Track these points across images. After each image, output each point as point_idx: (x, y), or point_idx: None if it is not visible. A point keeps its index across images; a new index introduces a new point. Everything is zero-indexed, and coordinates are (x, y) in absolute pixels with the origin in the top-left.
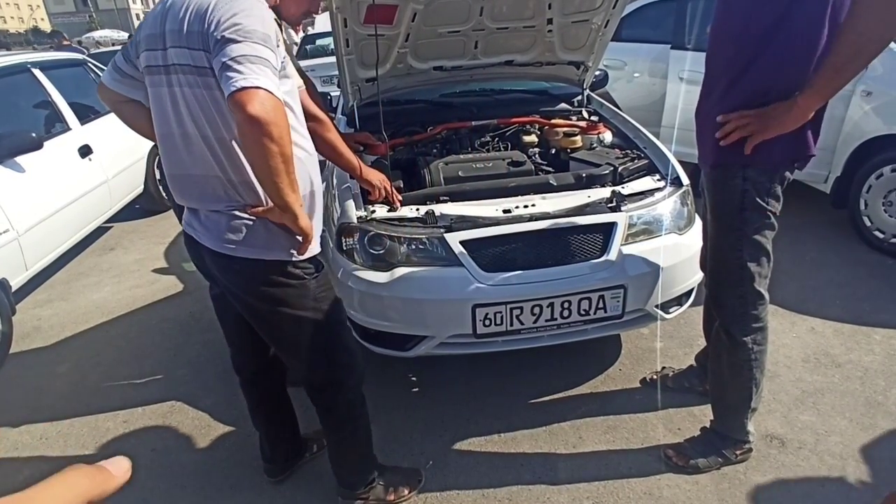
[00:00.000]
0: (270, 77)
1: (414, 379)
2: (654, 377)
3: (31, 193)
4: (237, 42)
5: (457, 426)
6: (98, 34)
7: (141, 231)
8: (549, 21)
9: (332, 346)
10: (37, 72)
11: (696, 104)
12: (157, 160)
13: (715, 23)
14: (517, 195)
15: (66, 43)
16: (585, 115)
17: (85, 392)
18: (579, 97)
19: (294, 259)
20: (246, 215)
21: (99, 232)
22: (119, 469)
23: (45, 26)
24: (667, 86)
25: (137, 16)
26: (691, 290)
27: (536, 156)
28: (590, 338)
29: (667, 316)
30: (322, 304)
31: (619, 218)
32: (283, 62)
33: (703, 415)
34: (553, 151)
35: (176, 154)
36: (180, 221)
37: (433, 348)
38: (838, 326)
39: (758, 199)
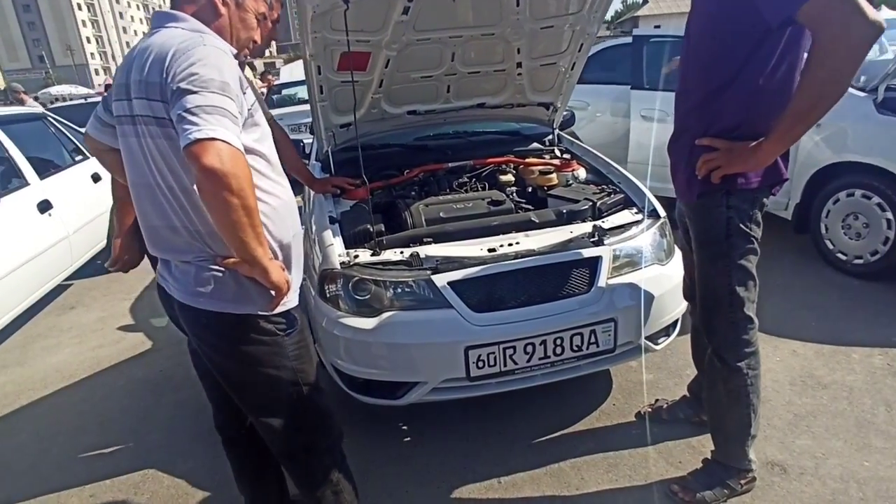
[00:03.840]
0: (228, 126)
1: (405, 428)
2: (649, 410)
3: None
4: (193, 93)
5: (454, 475)
6: (55, 90)
7: (103, 287)
8: (519, 65)
9: (304, 407)
10: None
11: (668, 140)
12: None
13: (684, 62)
14: (500, 233)
15: (22, 97)
16: (558, 153)
17: (45, 466)
18: (550, 137)
19: (266, 313)
20: (216, 267)
21: (58, 290)
22: None
23: None
24: (630, 124)
25: (96, 71)
26: (677, 321)
27: (514, 194)
28: (582, 374)
29: (656, 347)
30: (295, 362)
31: (604, 251)
32: (250, 109)
33: (702, 445)
34: (530, 190)
35: (146, 204)
36: (155, 271)
37: (426, 395)
38: (818, 348)
39: (741, 225)
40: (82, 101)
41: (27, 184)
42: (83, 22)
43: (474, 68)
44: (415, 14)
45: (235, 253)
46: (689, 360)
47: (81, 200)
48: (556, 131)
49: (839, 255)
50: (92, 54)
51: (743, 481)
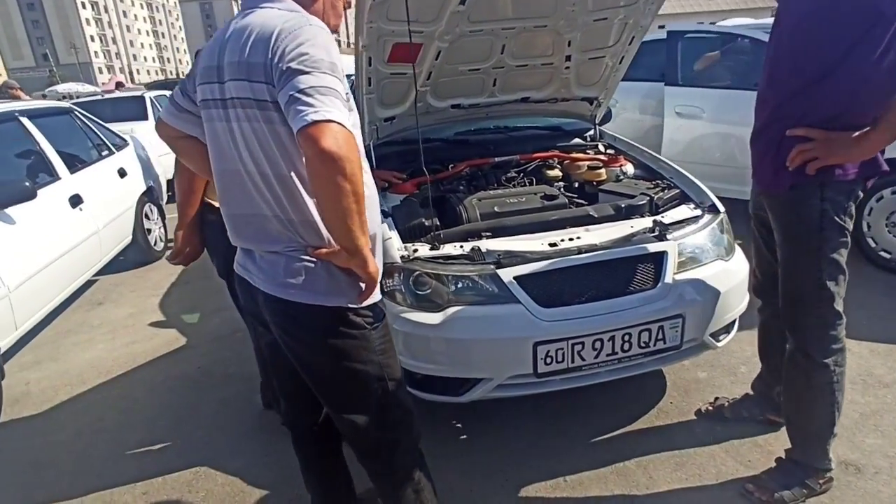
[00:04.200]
0: (341, 109)
1: (459, 426)
2: (710, 408)
3: (23, 246)
4: (305, 73)
5: (516, 473)
6: (62, 87)
7: (129, 283)
8: (568, 58)
9: (389, 404)
10: (25, 120)
11: (753, 131)
12: (144, 209)
13: (775, 52)
14: (559, 228)
15: (17, 93)
16: (602, 148)
17: (93, 463)
18: (591, 132)
19: (355, 306)
20: (307, 257)
21: (85, 286)
22: None
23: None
24: (663, 120)
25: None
26: (736, 318)
27: (562, 190)
28: (644, 371)
29: (718, 344)
30: (381, 356)
31: (669, 247)
32: (347, 93)
33: (769, 445)
34: (576, 185)
35: (233, 192)
36: (214, 263)
37: (490, 391)
38: (873, 346)
39: (836, 218)
40: (99, 97)
41: (59, 178)
42: (87, 20)
43: (522, 61)
44: (471, 4)
45: (338, 241)
46: (743, 358)
47: (109, 195)
48: (598, 126)
49: (882, 254)
50: (96, 52)
51: (821, 481)
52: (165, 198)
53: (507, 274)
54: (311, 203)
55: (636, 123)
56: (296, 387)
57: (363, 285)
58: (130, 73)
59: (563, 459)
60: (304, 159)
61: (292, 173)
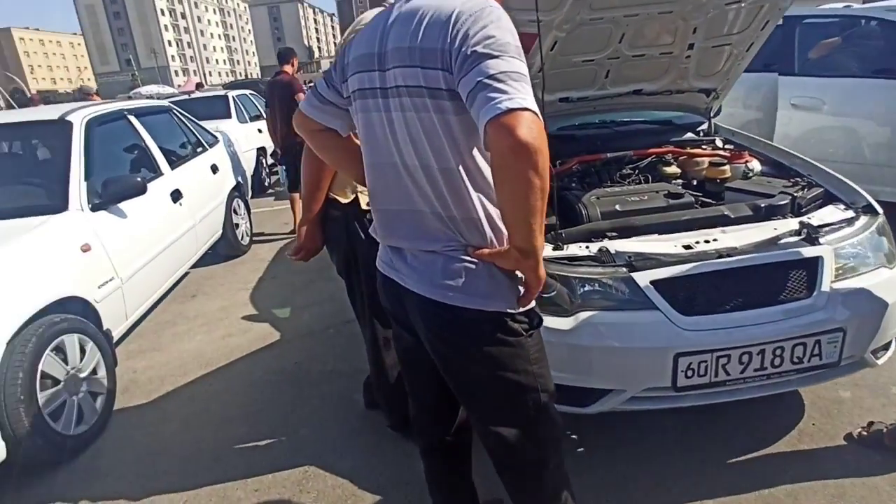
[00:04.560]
0: (532, 97)
1: (575, 437)
2: (864, 433)
3: (133, 239)
4: (493, 57)
5: (649, 491)
6: (145, 90)
7: (219, 277)
8: (690, 46)
9: (541, 418)
10: (132, 118)
11: None
12: (233, 204)
13: None
14: (691, 229)
15: (94, 97)
16: (720, 143)
17: (203, 456)
18: (704, 126)
19: (514, 311)
20: (468, 258)
21: (179, 278)
22: None
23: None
24: (774, 114)
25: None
26: None
27: (682, 188)
28: (790, 389)
29: (878, 362)
30: (535, 366)
31: (824, 251)
32: None
33: None
34: (695, 183)
35: (388, 186)
36: (333, 260)
37: (621, 404)
38: None
39: None
40: (185, 96)
41: (161, 174)
42: (165, 26)
43: (640, 51)
44: None
45: (516, 241)
46: (894, 377)
47: (204, 191)
48: (713, 120)
49: None
50: (172, 56)
51: None
52: (250, 193)
53: (642, 278)
54: (476, 199)
55: (736, 118)
56: (435, 395)
57: (522, 289)
58: (203, 74)
59: (698, 480)
60: (488, 152)
61: (460, 167)
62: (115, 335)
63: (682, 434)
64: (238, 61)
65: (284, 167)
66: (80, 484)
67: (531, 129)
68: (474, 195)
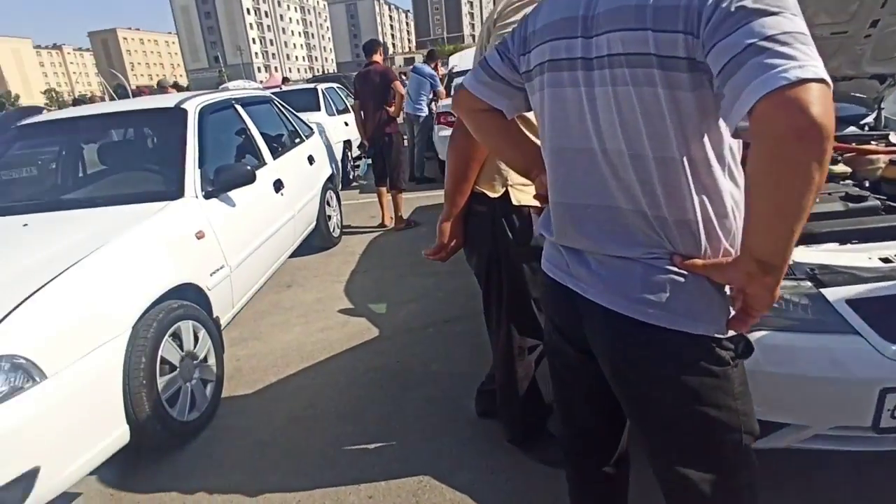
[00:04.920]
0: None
1: None
2: None
3: (240, 228)
4: (770, 14)
5: None
6: (232, 85)
7: (313, 268)
8: (874, 24)
9: (739, 462)
10: (238, 108)
11: None
12: (326, 196)
13: None
14: (887, 239)
15: (169, 90)
16: (894, 139)
17: (311, 453)
18: (869, 119)
19: (721, 336)
20: (675, 268)
21: None
22: None
23: (184, 81)
24: None
25: (258, 69)
26: None
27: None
28: None
29: None
30: (739, 402)
31: None
32: None
33: None
34: (867, 184)
35: (576, 176)
36: (470, 256)
37: (801, 441)
38: None
39: None
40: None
41: (265, 163)
42: (251, 25)
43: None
44: None
45: (762, 251)
46: None
47: (302, 181)
48: (883, 111)
49: None
50: (256, 53)
51: None
52: (340, 185)
53: (834, 295)
54: (696, 198)
55: None
56: (596, 419)
57: (732, 311)
58: (283, 70)
59: None
60: (735, 139)
61: (684, 158)
62: (223, 323)
63: (855, 472)
64: (316, 58)
65: (371, 160)
66: (197, 473)
67: (826, 108)
68: (695, 193)
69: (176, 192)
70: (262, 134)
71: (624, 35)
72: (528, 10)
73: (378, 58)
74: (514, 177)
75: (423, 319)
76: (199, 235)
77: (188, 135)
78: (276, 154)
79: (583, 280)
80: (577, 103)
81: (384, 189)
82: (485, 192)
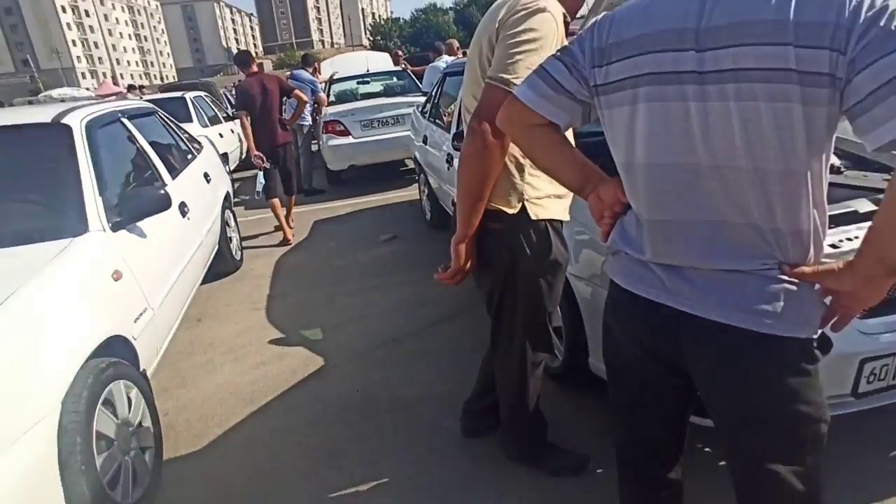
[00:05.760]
0: None
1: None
2: None
3: (157, 261)
4: None
5: None
6: (57, 92)
7: (221, 297)
8: None
9: (818, 450)
10: (125, 121)
11: None
12: (225, 216)
13: None
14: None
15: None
16: None
17: None
18: None
19: (815, 336)
20: (786, 277)
21: None
22: None
23: None
24: None
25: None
26: None
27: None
28: None
29: None
30: (820, 395)
31: None
32: None
33: None
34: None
35: (674, 192)
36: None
37: None
38: None
39: None
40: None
41: (165, 184)
42: (68, 24)
43: None
44: None
45: (886, 258)
46: None
47: (203, 202)
48: None
49: None
50: (78, 57)
51: None
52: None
53: None
54: (812, 208)
55: None
56: (664, 428)
57: (833, 308)
58: (114, 77)
59: (864, 485)
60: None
61: (808, 171)
62: (150, 373)
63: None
64: (152, 63)
65: (264, 173)
66: None
67: None
68: (811, 203)
69: (77, 225)
70: (155, 151)
71: (756, 50)
72: (596, 18)
73: (256, 68)
74: (529, 191)
75: (368, 342)
76: (116, 276)
77: (79, 155)
78: (173, 173)
79: (684, 296)
80: (684, 118)
81: (276, 202)
82: (501, 208)
